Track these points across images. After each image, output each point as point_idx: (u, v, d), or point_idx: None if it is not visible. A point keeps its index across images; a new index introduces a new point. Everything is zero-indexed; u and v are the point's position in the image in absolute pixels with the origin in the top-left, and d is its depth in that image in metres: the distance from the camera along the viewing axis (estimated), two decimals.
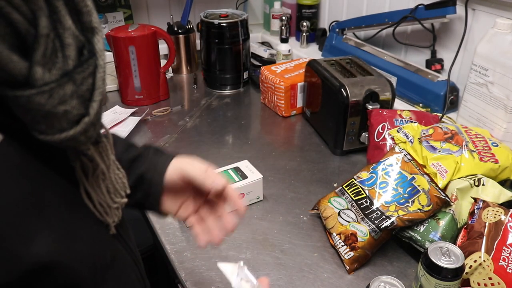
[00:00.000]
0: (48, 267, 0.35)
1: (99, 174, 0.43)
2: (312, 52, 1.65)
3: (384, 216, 0.79)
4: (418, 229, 0.79)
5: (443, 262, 0.66)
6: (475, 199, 0.80)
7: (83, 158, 0.41)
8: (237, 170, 0.96)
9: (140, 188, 0.59)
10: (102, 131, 0.42)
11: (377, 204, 0.81)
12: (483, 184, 0.83)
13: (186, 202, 0.63)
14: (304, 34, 1.67)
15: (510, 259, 0.68)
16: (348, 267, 0.79)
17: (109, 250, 0.46)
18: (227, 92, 1.53)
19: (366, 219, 0.80)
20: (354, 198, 0.83)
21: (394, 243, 0.84)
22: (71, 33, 0.33)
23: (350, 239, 0.79)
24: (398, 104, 1.23)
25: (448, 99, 1.16)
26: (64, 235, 0.38)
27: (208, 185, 0.57)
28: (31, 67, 0.30)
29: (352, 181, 0.87)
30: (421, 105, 1.23)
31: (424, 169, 0.87)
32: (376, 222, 0.78)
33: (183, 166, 0.59)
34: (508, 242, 0.70)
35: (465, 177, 0.85)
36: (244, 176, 0.94)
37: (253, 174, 0.94)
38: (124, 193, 0.48)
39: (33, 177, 0.37)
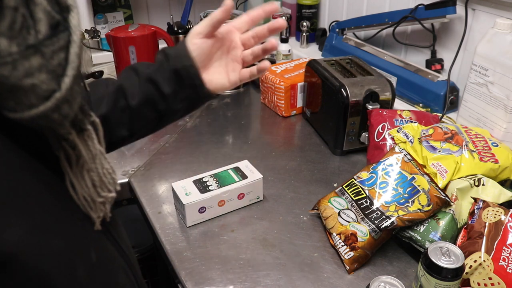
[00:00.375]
0: (15, 259, 0.34)
1: (83, 164, 0.42)
2: (312, 52, 1.65)
3: (384, 216, 0.79)
4: (418, 229, 0.79)
5: (443, 262, 0.66)
6: (475, 199, 0.80)
7: (65, 146, 0.40)
8: (237, 170, 0.96)
9: (181, 82, 0.60)
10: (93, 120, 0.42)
11: (377, 204, 0.81)
12: (483, 184, 0.83)
13: (230, 66, 0.64)
14: (304, 34, 1.67)
15: (510, 259, 0.68)
16: (348, 267, 0.79)
17: (94, 249, 0.44)
18: (227, 92, 1.52)
19: (366, 219, 0.80)
20: (354, 198, 0.83)
21: (394, 243, 0.84)
22: (42, 9, 0.32)
23: (350, 239, 0.79)
24: (398, 104, 1.23)
25: (448, 99, 1.16)
26: (40, 227, 0.37)
27: (217, 15, 0.58)
28: None
29: (352, 181, 0.87)
30: (421, 105, 1.23)
31: (424, 169, 0.87)
32: (376, 222, 0.78)
33: (192, 31, 0.60)
34: (508, 242, 0.70)
35: (465, 177, 0.85)
36: (244, 176, 0.93)
37: (253, 174, 0.94)
38: (112, 188, 0.46)
39: (12, 164, 0.36)
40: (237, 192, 0.91)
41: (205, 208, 0.88)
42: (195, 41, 0.60)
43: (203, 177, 0.93)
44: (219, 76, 0.63)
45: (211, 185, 0.90)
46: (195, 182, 0.91)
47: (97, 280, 0.44)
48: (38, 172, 0.39)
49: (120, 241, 0.52)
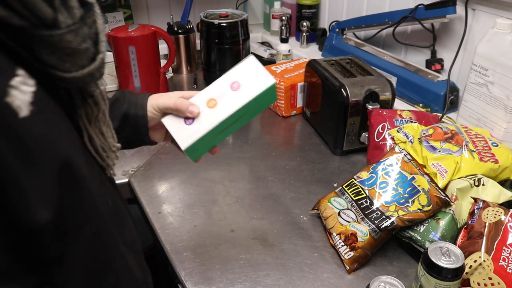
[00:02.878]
0: (82, 176, 0.41)
1: (101, 117, 0.48)
2: (312, 52, 1.65)
3: (384, 216, 0.79)
4: (418, 229, 0.79)
5: (443, 262, 0.66)
6: (475, 199, 0.80)
7: (90, 102, 0.46)
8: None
9: (127, 125, 0.67)
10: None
11: (377, 204, 0.81)
12: (483, 184, 0.83)
13: None
14: (304, 34, 1.67)
15: (510, 259, 0.68)
16: (348, 267, 0.79)
17: (109, 195, 0.51)
18: None
19: (366, 219, 0.80)
20: (354, 198, 0.83)
21: (394, 243, 0.84)
22: None
23: (350, 239, 0.79)
24: (398, 104, 1.23)
25: (448, 99, 1.16)
26: (84, 159, 0.44)
27: (182, 113, 0.64)
28: (55, 12, 0.36)
29: (352, 181, 0.87)
30: (421, 105, 1.23)
31: (424, 169, 0.87)
32: (376, 222, 0.78)
33: (156, 101, 0.67)
34: (508, 242, 0.70)
35: (465, 177, 0.85)
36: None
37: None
38: (116, 138, 0.53)
39: (55, 107, 0.42)
40: (227, 82, 0.65)
41: (192, 119, 0.65)
42: (153, 111, 0.67)
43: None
44: (160, 134, 0.72)
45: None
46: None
47: (116, 222, 0.51)
48: (67, 122, 0.44)
49: (122, 195, 0.59)
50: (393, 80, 1.22)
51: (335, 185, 1.02)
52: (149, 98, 0.68)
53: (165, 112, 0.66)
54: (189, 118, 0.65)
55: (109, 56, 1.40)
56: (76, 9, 0.39)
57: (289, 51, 1.57)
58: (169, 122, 0.65)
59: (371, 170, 0.87)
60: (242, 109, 0.64)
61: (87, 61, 0.40)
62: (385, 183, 0.83)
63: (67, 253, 0.40)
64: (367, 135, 1.09)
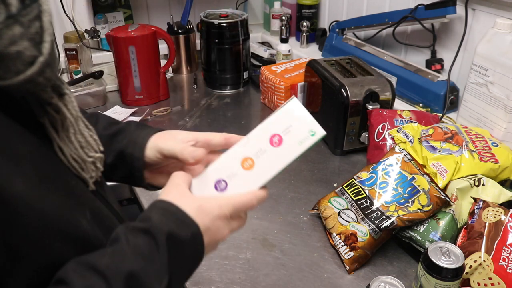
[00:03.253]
0: (19, 211, 0.36)
1: (69, 126, 0.44)
2: (312, 52, 1.65)
3: (384, 216, 0.79)
4: (418, 229, 0.79)
5: (443, 262, 0.66)
6: (475, 199, 0.80)
7: (49, 110, 0.42)
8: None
9: (122, 164, 0.59)
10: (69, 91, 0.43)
11: (377, 204, 0.81)
12: (483, 184, 0.83)
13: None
14: (304, 34, 1.67)
15: (510, 259, 0.68)
16: (348, 267, 0.79)
17: (88, 208, 0.46)
18: (227, 92, 1.53)
19: (366, 219, 0.80)
20: (354, 198, 0.83)
21: (394, 243, 0.84)
22: None
23: (350, 239, 0.79)
24: (398, 104, 1.23)
25: (448, 99, 1.16)
26: (38, 184, 0.39)
27: (187, 159, 0.54)
28: None
29: (352, 181, 0.87)
30: (421, 105, 1.23)
31: (424, 169, 0.87)
32: (376, 222, 0.78)
33: (159, 143, 0.57)
34: (508, 242, 0.70)
35: (465, 177, 0.85)
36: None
37: (287, 103, 0.54)
38: (97, 148, 0.49)
39: (1, 127, 0.38)
40: (265, 134, 0.54)
41: (225, 182, 0.53)
42: (157, 155, 0.57)
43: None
44: (164, 178, 0.58)
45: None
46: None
47: (98, 235, 0.46)
48: (23, 135, 0.41)
49: (112, 203, 0.54)
50: (393, 80, 1.22)
51: (335, 185, 1.02)
52: (153, 138, 0.58)
53: (170, 159, 0.57)
54: (220, 183, 0.52)
55: (109, 56, 1.40)
56: (12, 6, 0.35)
57: (289, 51, 1.57)
58: (196, 188, 0.52)
59: (371, 170, 0.87)
60: (284, 169, 0.53)
61: (22, 66, 0.36)
62: (385, 183, 0.83)
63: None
64: (367, 135, 1.09)
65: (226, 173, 0.52)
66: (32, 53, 0.36)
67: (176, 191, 0.49)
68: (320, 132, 0.52)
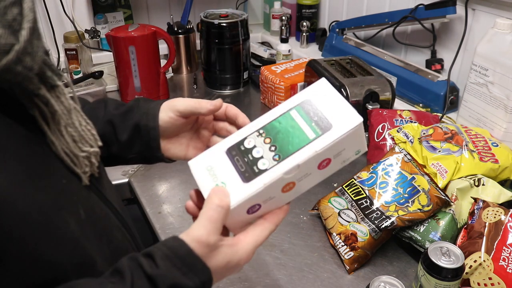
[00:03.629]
0: (4, 211, 0.35)
1: (59, 119, 0.43)
2: (312, 52, 1.65)
3: (384, 216, 0.79)
4: (418, 229, 0.79)
5: (443, 262, 0.66)
6: (475, 199, 0.80)
7: (38, 102, 0.41)
8: (305, 109, 0.48)
9: (138, 138, 0.59)
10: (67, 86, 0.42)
11: (377, 204, 0.81)
12: (483, 184, 0.83)
13: (193, 142, 0.62)
14: (304, 34, 1.67)
15: (510, 259, 0.68)
16: (348, 267, 0.79)
17: (82, 205, 0.44)
18: (227, 92, 1.53)
19: (366, 219, 0.80)
20: (354, 198, 0.83)
21: (394, 243, 0.84)
22: None
23: (350, 239, 0.79)
24: (398, 104, 1.23)
25: (448, 99, 1.16)
26: (24, 181, 0.37)
27: (204, 109, 0.55)
28: None
29: (352, 181, 0.87)
30: (421, 105, 1.23)
31: (424, 169, 0.87)
32: (376, 222, 0.78)
33: (174, 103, 0.57)
34: (508, 242, 0.70)
35: (465, 177, 0.85)
36: (322, 122, 0.47)
37: (341, 114, 0.47)
38: (94, 143, 0.47)
39: None
40: (317, 161, 0.47)
41: (259, 206, 0.48)
42: (171, 115, 0.57)
43: (245, 139, 0.49)
44: (179, 148, 0.61)
45: (262, 156, 0.47)
46: (231, 153, 0.48)
47: (90, 235, 0.44)
48: (13, 129, 0.39)
49: (112, 201, 0.52)
50: (393, 80, 1.22)
51: (335, 185, 1.02)
52: (164, 104, 0.58)
53: (187, 115, 0.57)
54: (255, 207, 0.47)
55: (109, 56, 1.40)
56: None
57: (289, 51, 1.57)
58: (231, 214, 0.46)
59: (371, 170, 0.87)
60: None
61: None
62: (385, 183, 0.83)
63: None
64: (367, 135, 1.09)
65: (263, 199, 0.47)
66: (7, 41, 0.34)
67: (204, 230, 0.43)
68: (364, 149, 0.50)
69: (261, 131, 0.48)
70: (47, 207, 0.39)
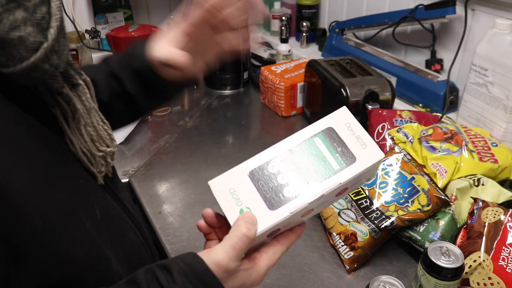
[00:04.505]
0: (20, 209, 0.35)
1: (80, 119, 0.43)
2: (312, 52, 1.65)
3: (384, 216, 0.79)
4: (418, 229, 0.79)
5: (442, 262, 0.66)
6: (475, 199, 0.80)
7: (60, 101, 0.41)
8: (330, 137, 0.51)
9: (134, 59, 0.60)
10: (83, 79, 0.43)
11: (377, 204, 0.81)
12: (482, 184, 0.83)
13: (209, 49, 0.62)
14: (304, 34, 1.67)
15: (510, 259, 0.68)
16: (348, 267, 0.79)
17: (97, 205, 0.45)
18: (227, 92, 1.53)
19: (366, 219, 0.80)
20: (354, 198, 0.84)
21: (394, 243, 0.84)
22: None
23: (350, 239, 0.79)
24: (398, 104, 1.23)
25: (448, 99, 1.16)
26: (41, 181, 0.38)
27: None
28: None
29: None
30: (421, 105, 1.23)
31: (424, 169, 0.88)
32: (376, 222, 0.79)
33: (157, 50, 0.59)
34: (508, 242, 0.70)
35: (465, 177, 0.85)
36: (346, 154, 0.49)
37: (363, 146, 0.49)
38: (110, 143, 0.48)
39: (7, 117, 0.37)
40: (338, 190, 0.49)
41: (279, 229, 0.49)
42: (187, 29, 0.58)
43: (268, 164, 0.49)
44: (172, 72, 0.61)
45: (288, 183, 0.47)
46: (254, 178, 0.49)
47: (105, 235, 0.45)
48: (35, 128, 0.40)
49: (125, 202, 0.53)
50: (393, 80, 1.22)
51: None
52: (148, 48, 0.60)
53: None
54: (276, 232, 0.48)
55: None
56: None
57: (289, 51, 1.58)
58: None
59: None
60: None
61: (26, 52, 0.34)
62: (385, 183, 0.83)
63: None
64: None
65: (285, 224, 0.47)
66: (36, 39, 0.34)
67: (226, 256, 0.43)
68: (373, 178, 0.53)
69: (285, 156, 0.49)
70: (65, 207, 0.40)
